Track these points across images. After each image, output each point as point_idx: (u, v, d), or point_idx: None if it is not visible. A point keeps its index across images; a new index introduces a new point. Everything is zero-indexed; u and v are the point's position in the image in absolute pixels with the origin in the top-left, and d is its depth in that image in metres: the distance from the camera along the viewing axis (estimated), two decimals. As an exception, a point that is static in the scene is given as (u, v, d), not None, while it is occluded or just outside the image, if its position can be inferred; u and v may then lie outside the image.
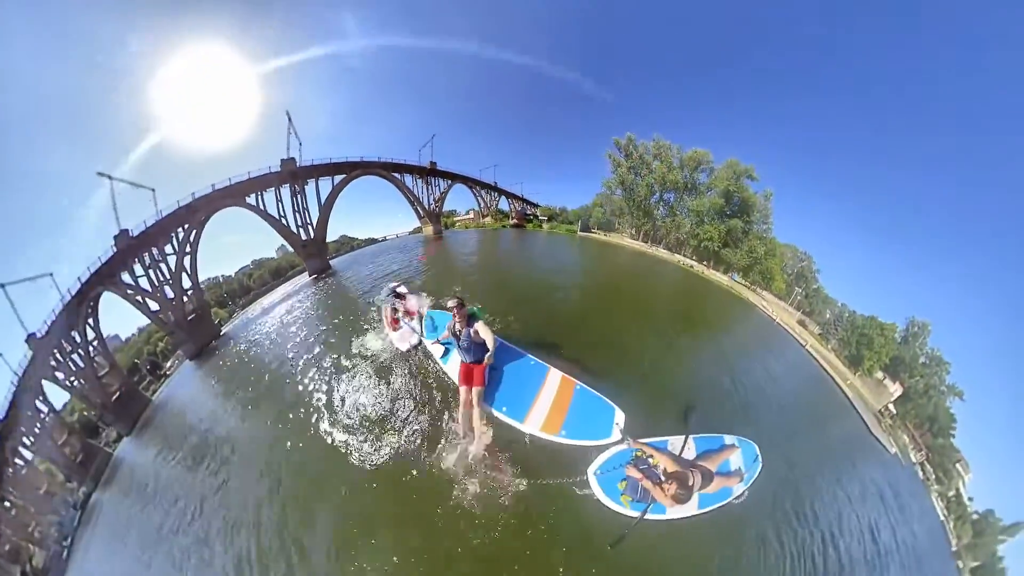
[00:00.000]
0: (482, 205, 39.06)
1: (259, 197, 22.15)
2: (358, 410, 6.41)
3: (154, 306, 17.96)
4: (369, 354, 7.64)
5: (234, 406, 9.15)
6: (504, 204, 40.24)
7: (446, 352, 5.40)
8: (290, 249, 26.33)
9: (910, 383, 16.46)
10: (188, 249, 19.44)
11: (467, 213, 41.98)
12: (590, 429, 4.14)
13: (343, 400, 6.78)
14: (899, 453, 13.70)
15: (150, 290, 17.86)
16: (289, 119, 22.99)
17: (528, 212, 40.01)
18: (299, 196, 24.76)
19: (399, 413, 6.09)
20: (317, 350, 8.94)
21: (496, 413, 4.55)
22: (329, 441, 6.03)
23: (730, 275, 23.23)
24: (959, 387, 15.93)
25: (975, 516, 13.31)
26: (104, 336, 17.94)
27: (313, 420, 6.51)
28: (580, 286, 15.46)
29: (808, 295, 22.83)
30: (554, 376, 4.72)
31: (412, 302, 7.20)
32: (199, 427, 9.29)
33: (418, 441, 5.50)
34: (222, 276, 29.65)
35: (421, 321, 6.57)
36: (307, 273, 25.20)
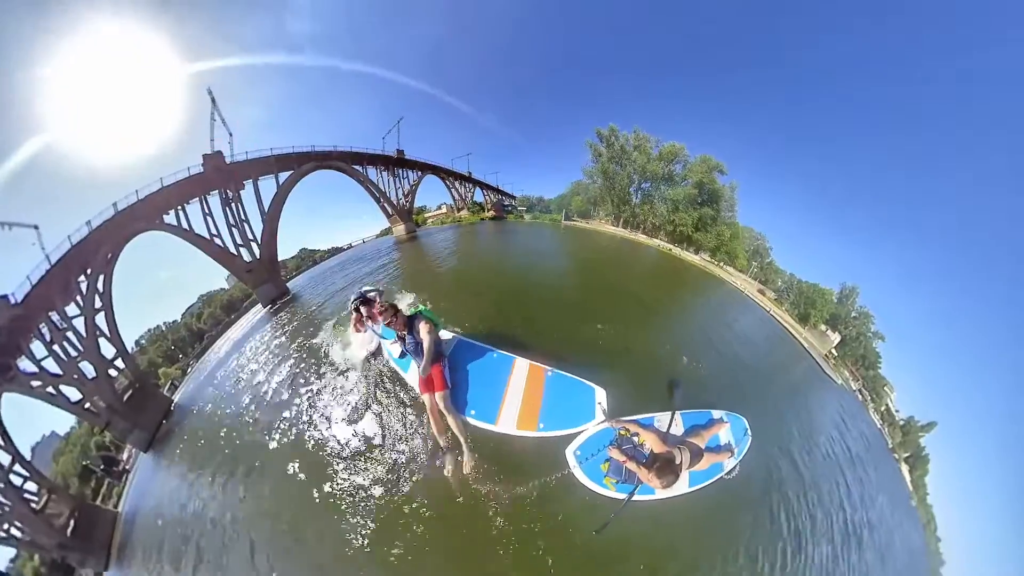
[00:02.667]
0: (456, 198, 34.83)
1: (181, 213, 15.62)
2: (345, 456, 5.65)
3: (73, 394, 11.82)
4: (345, 389, 6.75)
5: (213, 496, 7.38)
6: (479, 196, 36.60)
7: (404, 355, 4.67)
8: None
9: (846, 332, 21.75)
10: (99, 303, 13.05)
11: (439, 208, 37.25)
12: (571, 416, 3.76)
13: (326, 452, 5.91)
14: (844, 383, 18.20)
15: (61, 373, 11.64)
16: (212, 100, 16.19)
17: (506, 203, 37.10)
18: (234, 205, 18.38)
19: (388, 444, 5.51)
20: (285, 396, 7.73)
21: (466, 419, 4.11)
22: (319, 500, 5.22)
23: (700, 255, 26.07)
24: (881, 332, 22.02)
25: (902, 422, 19.34)
26: (33, 448, 11.28)
27: (299, 489, 5.61)
28: (571, 271, 16.00)
29: (763, 268, 26.94)
30: (521, 366, 4.21)
31: (379, 307, 5.96)
32: (179, 532, 7.37)
33: (409, 467, 5.10)
34: (164, 324, 21.86)
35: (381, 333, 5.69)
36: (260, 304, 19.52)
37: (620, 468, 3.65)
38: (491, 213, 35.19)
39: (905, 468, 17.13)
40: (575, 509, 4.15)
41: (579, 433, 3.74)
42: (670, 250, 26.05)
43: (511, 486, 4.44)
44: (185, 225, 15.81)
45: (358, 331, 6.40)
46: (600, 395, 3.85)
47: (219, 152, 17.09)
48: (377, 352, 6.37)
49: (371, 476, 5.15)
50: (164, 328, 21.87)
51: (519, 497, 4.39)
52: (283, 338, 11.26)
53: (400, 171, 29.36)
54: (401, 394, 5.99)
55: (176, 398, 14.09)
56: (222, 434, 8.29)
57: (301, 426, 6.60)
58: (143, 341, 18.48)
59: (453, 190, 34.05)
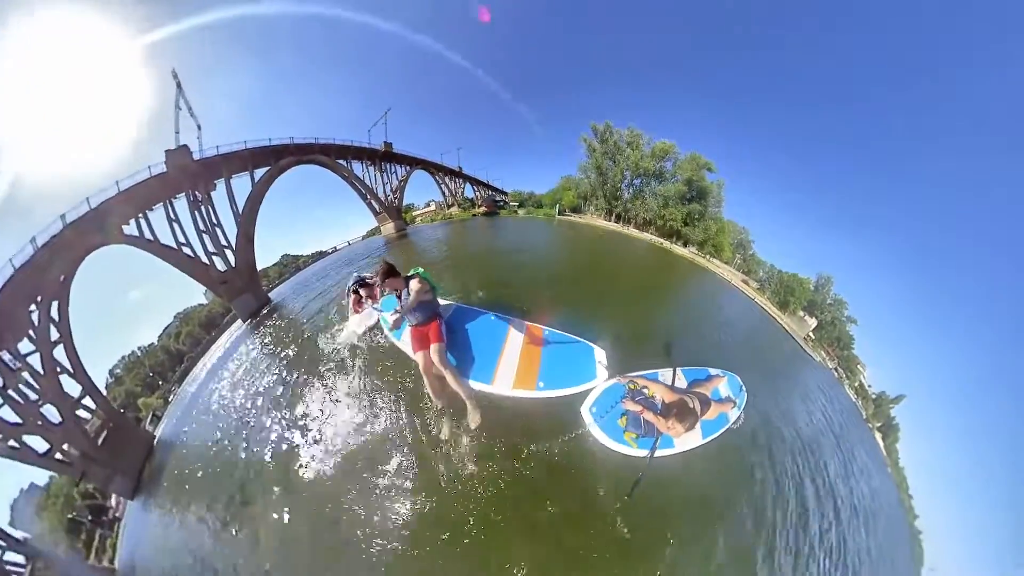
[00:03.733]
0: (447, 193, 33.10)
1: (143, 221, 13.30)
2: (347, 471, 5.04)
3: (39, 444, 9.80)
4: (338, 402, 6.27)
5: (213, 540, 6.38)
6: (468, 192, 35.04)
7: (399, 326, 4.35)
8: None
9: (822, 317, 23.91)
10: (56, 334, 10.83)
11: (427, 205, 35.24)
12: (571, 374, 3.58)
13: (325, 474, 5.26)
14: (822, 362, 20.16)
15: (21, 422, 9.56)
16: (178, 85, 13.66)
17: (498, 199, 35.83)
18: (204, 208, 16.02)
19: (392, 452, 4.89)
20: (273, 418, 7.05)
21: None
22: (327, 525, 4.61)
23: (688, 248, 27.42)
24: (854, 316, 24.35)
25: (874, 396, 21.70)
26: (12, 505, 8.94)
27: (304, 519, 4.96)
28: (570, 261, 16.41)
29: (746, 259, 28.67)
30: (517, 326, 4.09)
31: (379, 290, 5.90)
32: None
33: (416, 472, 4.55)
34: (140, 349, 18.98)
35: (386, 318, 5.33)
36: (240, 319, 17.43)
37: (638, 420, 3.57)
38: (482, 209, 33.88)
39: (879, 436, 19.08)
40: (598, 472, 3.97)
41: (580, 393, 3.57)
42: (661, 243, 27.01)
43: (520, 453, 4.10)
44: (149, 235, 13.46)
45: (357, 312, 6.47)
46: (600, 354, 3.75)
47: (184, 147, 14.63)
48: (376, 327, 6.13)
49: (380, 493, 4.50)
50: (140, 353, 19.19)
51: (531, 464, 4.10)
52: (266, 354, 10.09)
53: (388, 166, 27.27)
54: (404, 401, 5.39)
55: (158, 432, 12.24)
56: (213, 469, 7.31)
57: (293, 450, 5.99)
58: (118, 370, 16.13)
59: (443, 186, 32.33)
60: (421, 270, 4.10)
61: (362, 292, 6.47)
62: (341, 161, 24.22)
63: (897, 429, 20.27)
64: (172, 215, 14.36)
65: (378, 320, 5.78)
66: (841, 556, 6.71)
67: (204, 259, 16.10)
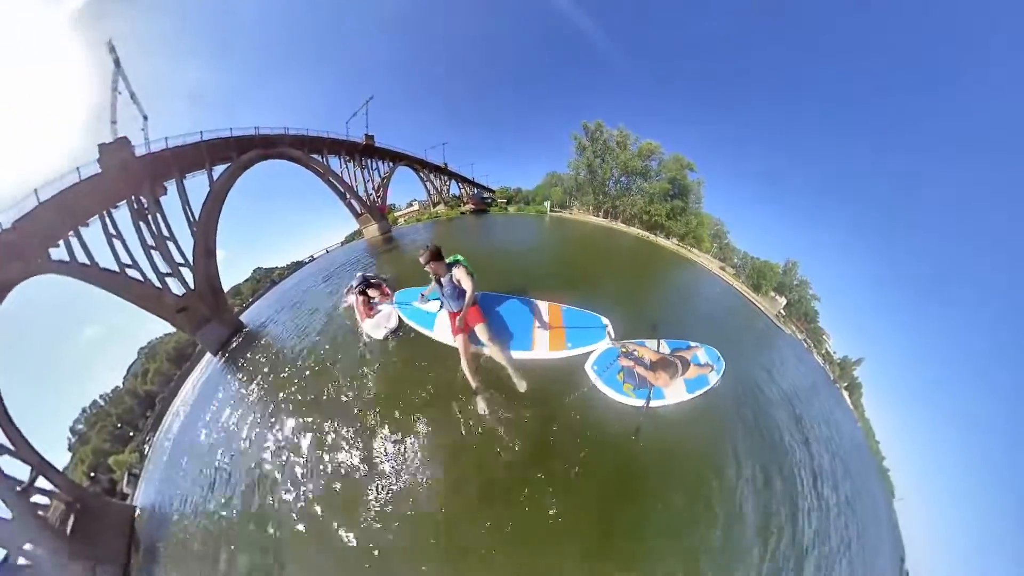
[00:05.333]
0: (432, 191, 30.64)
1: (75, 242, 9.72)
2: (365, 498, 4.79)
3: None
4: (334, 433, 5.81)
5: None
6: (454, 190, 32.85)
7: (429, 316, 5.15)
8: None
9: (790, 296, 27.54)
10: None
11: (410, 205, 32.29)
12: (588, 336, 4.52)
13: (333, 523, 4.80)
14: (792, 335, 23.39)
15: None
16: (116, 62, 10.12)
17: (485, 196, 34.14)
18: (152, 218, 12.58)
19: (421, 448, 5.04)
20: (263, 466, 6.15)
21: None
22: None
23: (671, 239, 30.02)
24: (817, 294, 28.24)
25: (839, 360, 25.49)
26: None
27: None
28: (568, 253, 17.26)
29: (722, 248, 31.69)
30: (541, 304, 4.98)
31: (389, 291, 6.27)
32: None
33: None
34: (103, 397, 14.71)
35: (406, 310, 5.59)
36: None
37: (632, 373, 4.35)
38: (470, 206, 32.06)
39: (846, 394, 22.46)
40: (607, 418, 4.62)
41: (596, 350, 4.44)
42: (647, 237, 28.90)
43: (544, 411, 4.86)
44: (84, 258, 10.07)
45: (369, 316, 6.06)
46: (605, 320, 4.64)
47: (123, 140, 11.15)
48: (398, 328, 5.95)
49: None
50: (104, 402, 15.20)
51: (550, 417, 4.85)
52: (248, 390, 8.52)
53: (369, 161, 24.29)
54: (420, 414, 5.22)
55: (138, 497, 9.66)
56: (213, 533, 6.12)
57: (290, 504, 5.28)
58: (80, 426, 12.66)
59: (428, 183, 29.89)
60: (460, 257, 4.44)
61: (371, 293, 6.09)
62: (316, 156, 20.99)
63: (860, 387, 24.32)
64: (112, 229, 10.98)
65: (399, 319, 5.71)
66: (831, 483, 8.26)
67: (156, 282, 12.78)
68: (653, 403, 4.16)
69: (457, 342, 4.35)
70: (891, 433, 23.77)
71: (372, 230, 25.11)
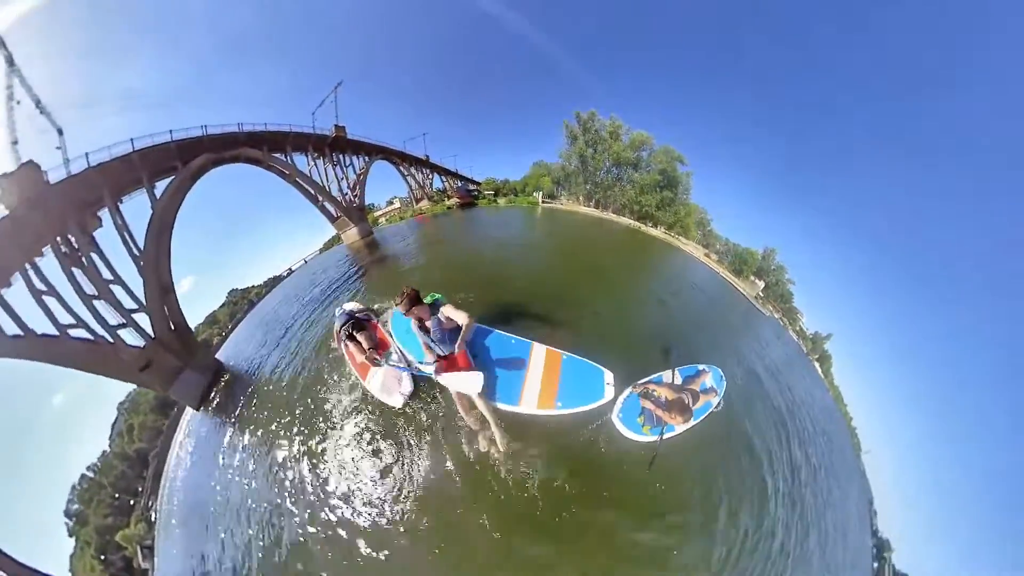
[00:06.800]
0: (414, 186, 27.90)
1: None
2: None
3: None
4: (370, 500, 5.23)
5: None
6: (436, 183, 30.19)
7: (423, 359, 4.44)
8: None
9: (768, 280, 30.28)
10: None
11: (390, 203, 29.17)
12: (584, 394, 4.20)
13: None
14: (770, 315, 25.83)
15: None
16: (8, 60, 7.03)
17: (471, 188, 31.92)
18: (86, 259, 9.80)
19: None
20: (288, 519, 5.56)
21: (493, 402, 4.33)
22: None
23: (660, 229, 31.26)
24: (792, 278, 31.93)
25: (812, 336, 29.07)
26: None
27: None
28: (567, 246, 17.55)
29: (706, 235, 33.83)
30: (538, 351, 4.59)
31: (384, 330, 5.37)
32: None
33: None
34: (91, 468, 12.64)
35: (403, 350, 4.97)
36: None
37: (652, 415, 4.81)
38: (456, 201, 29.93)
39: (818, 365, 25.88)
40: (622, 457, 4.84)
41: (592, 409, 4.17)
42: (639, 227, 29.78)
43: (564, 457, 4.75)
44: (12, 330, 7.56)
45: (369, 372, 4.96)
46: (608, 376, 4.27)
47: (30, 165, 8.24)
48: (410, 382, 4.99)
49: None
50: (93, 473, 12.80)
51: (575, 464, 4.75)
52: (243, 435, 7.59)
53: (341, 157, 21.21)
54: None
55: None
56: None
57: (314, 552, 4.80)
58: (75, 506, 10.63)
59: (409, 177, 27.11)
60: (440, 296, 4.00)
61: (362, 340, 4.97)
62: (278, 155, 17.85)
63: (830, 358, 28.26)
64: (39, 285, 8.42)
65: (413, 379, 4.95)
66: (811, 438, 9.94)
67: (106, 337, 10.36)
68: (667, 436, 4.67)
69: (451, 390, 4.13)
70: (857, 396, 27.68)
71: (352, 234, 22.56)
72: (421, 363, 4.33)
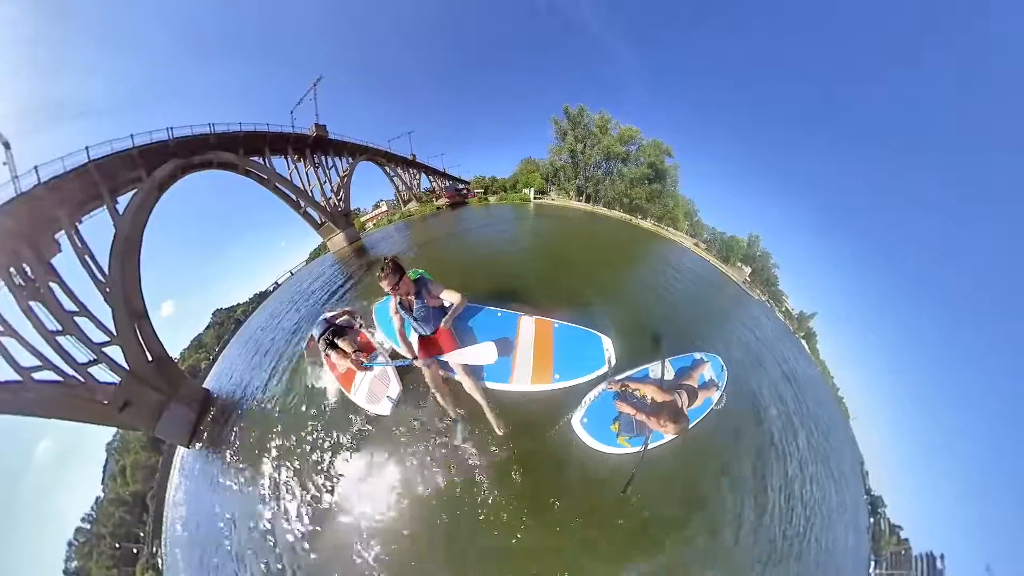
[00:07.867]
0: (401, 187, 26.67)
1: None
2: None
3: None
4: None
5: None
6: (424, 184, 29.09)
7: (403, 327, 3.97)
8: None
9: (754, 265, 31.76)
10: None
11: (377, 207, 27.73)
12: (583, 364, 3.79)
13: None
14: (758, 297, 27.22)
15: None
16: None
17: (460, 187, 31.02)
18: (44, 290, 8.48)
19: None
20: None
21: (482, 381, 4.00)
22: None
23: (650, 221, 31.97)
24: (777, 263, 33.06)
25: (796, 315, 30.89)
26: None
27: None
28: (564, 240, 17.73)
29: (693, 225, 34.87)
30: (527, 323, 4.15)
31: (367, 332, 4.92)
32: None
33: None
34: (86, 519, 11.83)
35: (388, 352, 4.56)
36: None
37: (631, 422, 3.84)
38: (445, 200, 29.01)
39: (804, 343, 27.60)
40: (591, 475, 4.18)
41: (593, 380, 3.76)
42: (629, 219, 30.28)
43: (518, 464, 4.32)
44: None
45: (352, 382, 4.51)
46: (607, 343, 3.86)
47: None
48: (401, 394, 4.41)
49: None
50: (90, 524, 11.41)
51: (527, 470, 4.29)
52: (241, 466, 7.00)
53: (323, 158, 19.82)
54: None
55: None
56: None
57: None
58: (74, 562, 9.45)
59: (396, 178, 25.87)
60: (423, 271, 3.68)
61: (343, 345, 4.47)
62: (255, 158, 16.41)
63: (815, 335, 30.09)
64: None
65: (399, 378, 4.34)
66: (803, 405, 10.44)
67: (77, 377, 9.17)
68: (651, 445, 3.68)
69: (425, 370, 3.69)
70: (843, 368, 30.41)
71: (338, 240, 21.37)
72: (397, 348, 3.84)
